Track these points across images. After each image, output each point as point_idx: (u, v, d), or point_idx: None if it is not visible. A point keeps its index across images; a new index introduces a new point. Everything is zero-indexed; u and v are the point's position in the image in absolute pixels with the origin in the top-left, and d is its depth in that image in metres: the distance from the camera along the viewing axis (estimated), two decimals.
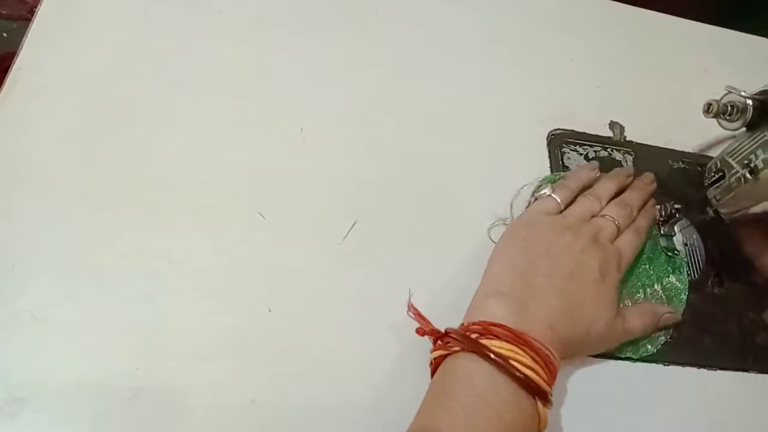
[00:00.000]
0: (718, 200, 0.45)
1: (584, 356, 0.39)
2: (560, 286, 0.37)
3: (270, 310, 0.38)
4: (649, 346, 0.41)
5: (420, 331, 0.36)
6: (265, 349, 0.36)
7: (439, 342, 0.35)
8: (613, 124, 0.52)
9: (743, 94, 0.41)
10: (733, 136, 0.45)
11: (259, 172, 0.42)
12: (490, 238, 0.42)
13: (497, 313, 0.35)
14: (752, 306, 0.46)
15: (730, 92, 0.42)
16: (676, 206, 0.47)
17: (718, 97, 0.43)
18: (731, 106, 0.42)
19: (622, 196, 0.44)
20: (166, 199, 0.39)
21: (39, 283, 0.35)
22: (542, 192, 0.42)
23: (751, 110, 0.41)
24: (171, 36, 0.46)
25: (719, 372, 0.42)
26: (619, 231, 0.42)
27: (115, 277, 0.36)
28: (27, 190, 0.38)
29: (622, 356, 0.41)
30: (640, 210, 0.44)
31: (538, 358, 0.33)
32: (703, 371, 0.42)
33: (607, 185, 0.44)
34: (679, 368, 0.42)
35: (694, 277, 0.46)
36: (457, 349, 0.33)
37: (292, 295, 0.38)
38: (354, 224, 0.42)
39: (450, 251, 0.42)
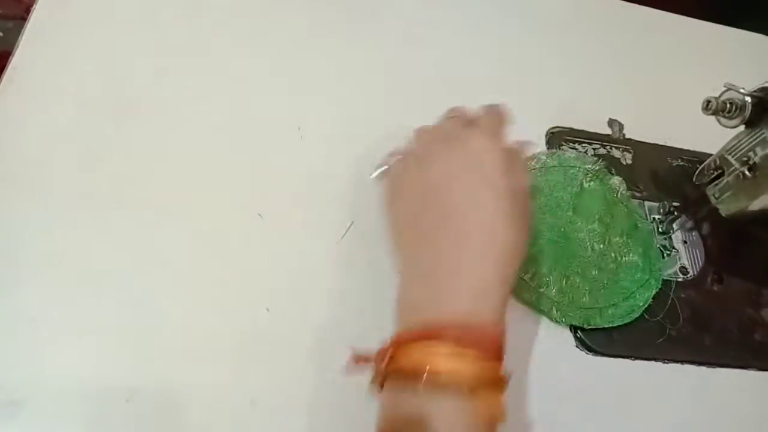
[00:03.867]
0: (716, 198, 0.44)
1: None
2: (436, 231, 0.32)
3: (268, 310, 0.37)
4: (611, 311, 0.41)
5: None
6: (263, 349, 0.36)
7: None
8: (612, 122, 0.52)
9: (742, 91, 0.41)
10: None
11: (256, 172, 0.42)
12: None
13: (417, 312, 0.32)
14: (751, 303, 0.46)
15: (728, 89, 0.42)
16: (675, 204, 0.47)
17: (716, 95, 0.42)
18: (730, 103, 0.41)
19: None
20: (163, 199, 0.39)
21: (36, 284, 0.35)
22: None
23: (749, 107, 0.41)
24: (167, 35, 0.46)
25: (718, 369, 0.43)
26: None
27: (112, 278, 0.36)
28: (23, 190, 0.38)
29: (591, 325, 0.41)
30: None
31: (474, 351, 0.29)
32: (703, 369, 0.42)
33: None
34: (678, 366, 0.42)
35: (694, 274, 0.46)
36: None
37: (290, 295, 0.38)
38: (351, 224, 0.41)
39: None
